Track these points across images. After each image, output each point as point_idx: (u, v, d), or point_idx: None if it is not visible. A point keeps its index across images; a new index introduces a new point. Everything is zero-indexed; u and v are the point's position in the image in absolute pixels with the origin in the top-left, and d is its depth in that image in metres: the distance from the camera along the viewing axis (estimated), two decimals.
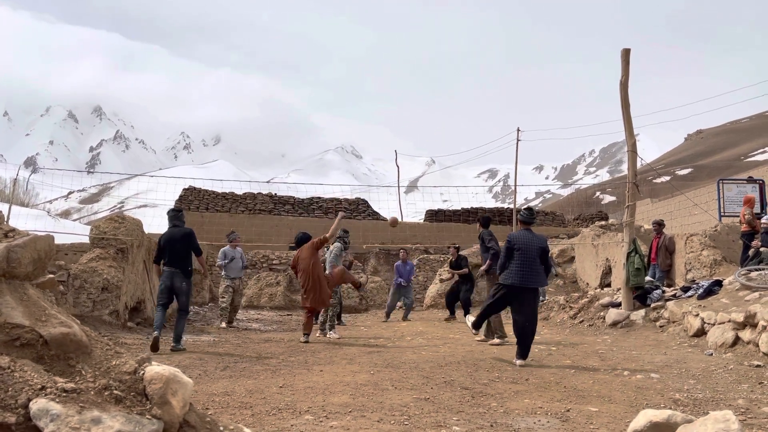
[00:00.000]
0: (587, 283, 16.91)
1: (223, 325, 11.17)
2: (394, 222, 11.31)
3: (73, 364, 2.06)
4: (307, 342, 8.93)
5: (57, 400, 1.84)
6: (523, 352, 6.76)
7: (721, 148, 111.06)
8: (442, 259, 19.55)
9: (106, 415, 1.84)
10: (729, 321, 7.34)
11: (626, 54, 10.51)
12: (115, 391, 1.96)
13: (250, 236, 22.68)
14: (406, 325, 12.09)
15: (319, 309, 9.39)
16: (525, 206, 7.97)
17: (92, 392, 1.92)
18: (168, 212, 8.49)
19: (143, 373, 2.07)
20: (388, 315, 13.78)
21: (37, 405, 1.83)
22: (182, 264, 8.04)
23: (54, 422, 1.79)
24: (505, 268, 7.01)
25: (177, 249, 8.05)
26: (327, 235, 9.30)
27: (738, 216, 13.69)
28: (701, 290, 9.09)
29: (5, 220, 2.87)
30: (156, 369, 2.07)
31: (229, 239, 12.01)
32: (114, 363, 2.11)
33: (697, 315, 8.10)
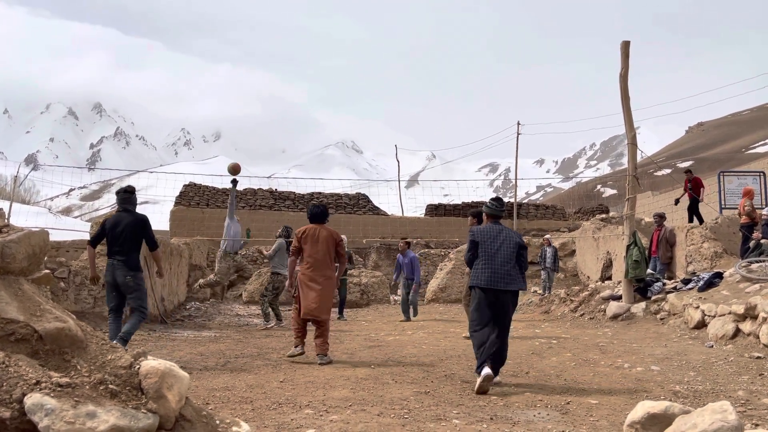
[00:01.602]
0: (588, 276, 16.92)
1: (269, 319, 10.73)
2: (234, 169, 10.32)
3: (68, 358, 2.06)
4: (302, 353, 6.81)
5: (52, 394, 1.84)
6: (494, 364, 5.25)
7: (722, 141, 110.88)
8: (443, 253, 19.54)
9: (101, 410, 1.84)
10: (729, 313, 7.33)
11: (626, 46, 10.47)
12: (111, 386, 1.96)
13: (251, 232, 22.69)
14: (410, 320, 12.08)
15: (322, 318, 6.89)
16: (493, 196, 6.40)
17: (87, 387, 1.92)
18: (117, 192, 7.07)
19: (139, 368, 2.07)
20: (405, 312, 12.31)
21: (31, 400, 1.82)
22: (125, 255, 6.67)
23: (49, 417, 1.79)
24: (471, 265, 5.82)
25: (121, 236, 6.68)
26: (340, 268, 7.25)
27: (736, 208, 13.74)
28: (702, 282, 9.08)
29: (6, 217, 2.87)
30: (152, 363, 2.06)
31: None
32: (109, 357, 2.11)
33: (698, 307, 8.10)
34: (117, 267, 6.65)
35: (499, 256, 5.56)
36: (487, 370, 5.03)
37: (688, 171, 16.39)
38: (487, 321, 5.45)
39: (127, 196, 6.93)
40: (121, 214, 6.88)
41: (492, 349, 5.26)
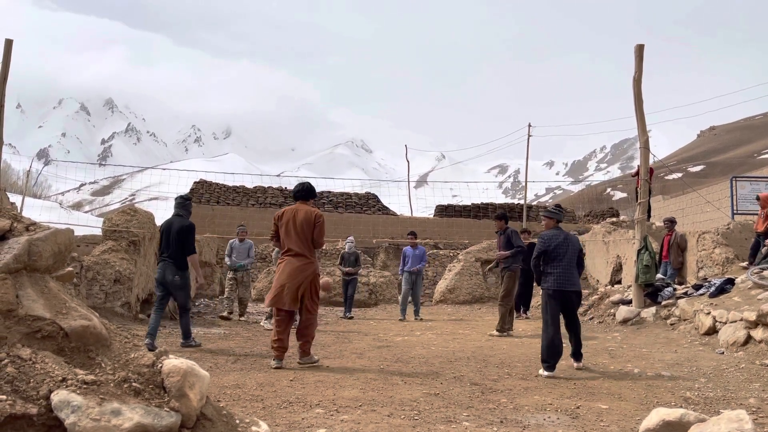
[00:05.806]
0: (597, 280, 16.85)
1: (224, 313, 11.13)
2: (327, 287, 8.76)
3: (93, 356, 2.09)
4: (279, 367, 6.08)
5: (78, 391, 1.87)
6: (578, 354, 6.47)
7: (735, 145, 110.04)
8: (452, 254, 19.51)
9: (125, 407, 1.88)
10: (741, 319, 7.30)
11: (640, 50, 10.43)
12: (134, 384, 1.99)
13: (260, 230, 22.76)
14: (416, 320, 12.08)
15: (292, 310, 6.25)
16: (554, 203, 7.19)
17: (112, 384, 1.95)
18: (175, 198, 7.93)
19: (161, 366, 2.10)
20: (403, 311, 12.40)
21: (58, 396, 1.86)
22: (174, 256, 7.43)
23: (75, 413, 1.82)
24: (536, 270, 6.51)
25: (171, 240, 7.48)
26: (320, 243, 6.31)
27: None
28: (713, 288, 9.04)
29: (18, 211, 2.91)
30: (174, 362, 2.09)
31: (236, 232, 12.11)
32: (133, 356, 2.14)
33: (709, 313, 8.06)
34: (168, 266, 7.44)
35: (564, 260, 6.34)
36: (546, 373, 5.93)
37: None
38: (554, 320, 6.32)
39: (180, 201, 7.80)
40: (173, 218, 7.70)
41: (560, 347, 6.16)
